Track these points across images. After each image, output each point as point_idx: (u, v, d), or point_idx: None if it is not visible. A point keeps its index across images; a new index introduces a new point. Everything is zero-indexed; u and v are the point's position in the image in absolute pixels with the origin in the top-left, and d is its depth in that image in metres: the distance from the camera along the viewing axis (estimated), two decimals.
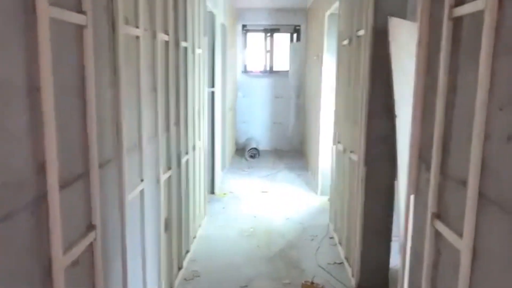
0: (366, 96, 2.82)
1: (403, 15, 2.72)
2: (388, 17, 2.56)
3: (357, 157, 3.01)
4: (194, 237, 3.81)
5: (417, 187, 1.86)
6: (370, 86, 2.81)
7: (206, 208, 4.45)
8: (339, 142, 3.88)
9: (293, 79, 8.12)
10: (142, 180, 2.18)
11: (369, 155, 2.89)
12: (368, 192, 2.92)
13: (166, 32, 2.66)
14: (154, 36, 2.37)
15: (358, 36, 3.13)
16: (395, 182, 2.90)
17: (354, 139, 3.22)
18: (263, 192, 5.48)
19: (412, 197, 1.92)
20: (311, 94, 6.61)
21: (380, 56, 2.77)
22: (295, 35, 8.21)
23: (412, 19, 2.81)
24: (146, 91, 2.25)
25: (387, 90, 2.81)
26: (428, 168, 1.73)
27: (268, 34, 8.25)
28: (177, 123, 3.04)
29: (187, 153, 3.35)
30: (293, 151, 8.10)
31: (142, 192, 2.19)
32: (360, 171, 2.93)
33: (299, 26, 8.06)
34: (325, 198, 5.18)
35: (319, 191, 5.33)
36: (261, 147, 7.89)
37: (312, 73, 6.47)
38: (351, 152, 3.29)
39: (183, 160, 3.20)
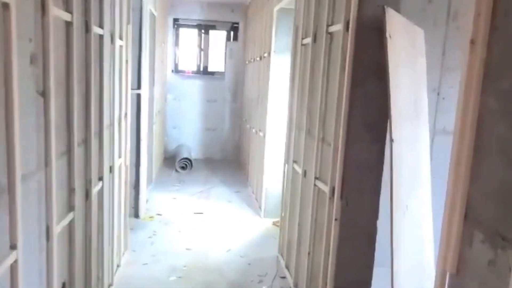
0: (345, 111, 2.16)
1: (396, 8, 2.09)
2: (385, 7, 1.92)
3: (329, 188, 2.34)
4: (111, 285, 2.91)
5: (463, 264, 1.20)
6: (349, 99, 2.16)
7: (128, 241, 3.55)
8: (295, 162, 3.21)
9: (229, 82, 7.38)
10: (13, 247, 1.30)
11: (347, 187, 2.23)
12: (343, 234, 2.26)
13: (67, 9, 1.79)
14: (43, 10, 1.50)
15: (330, 33, 2.47)
16: (377, 221, 2.28)
17: (323, 164, 2.55)
18: (196, 213, 4.66)
19: (448, 275, 1.26)
20: (251, 99, 5.92)
21: (363, 59, 2.13)
22: (232, 34, 7.48)
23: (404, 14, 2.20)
24: (25, 97, 1.38)
25: (371, 104, 2.17)
26: (490, 238, 1.08)
27: (203, 31, 7.44)
28: (86, 139, 2.16)
29: (100, 179, 2.47)
30: (227, 161, 7.35)
31: (14, 266, 1.31)
32: (334, 207, 2.26)
33: (237, 23, 7.34)
34: (270, 221, 4.50)
35: (262, 213, 4.64)
36: (193, 155, 7.05)
37: (253, 75, 5.78)
38: (316, 178, 2.62)
39: (95, 191, 2.32)
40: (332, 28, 2.42)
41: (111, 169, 2.73)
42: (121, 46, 2.96)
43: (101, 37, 2.37)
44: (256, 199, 5.05)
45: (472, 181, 1.18)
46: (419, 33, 2.43)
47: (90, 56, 2.12)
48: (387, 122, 2.16)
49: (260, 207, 4.75)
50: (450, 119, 3.57)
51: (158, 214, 4.53)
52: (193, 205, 4.91)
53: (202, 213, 4.68)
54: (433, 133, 3.07)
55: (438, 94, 3.12)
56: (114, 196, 2.88)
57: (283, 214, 3.54)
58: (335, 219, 2.24)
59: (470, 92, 1.17)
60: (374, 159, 2.20)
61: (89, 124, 2.17)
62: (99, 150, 2.41)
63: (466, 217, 1.20)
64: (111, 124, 2.72)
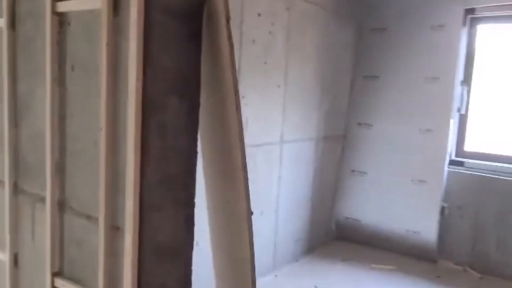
0: (136, 162, 1.17)
1: None
2: None
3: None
4: None
5: None
6: (141, 139, 1.18)
7: None
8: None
9: None
10: None
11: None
12: None
13: None
14: None
15: (60, 14, 1.36)
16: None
17: (73, 251, 1.42)
18: None
19: None
20: None
21: (159, 65, 1.20)
22: None
23: None
24: None
25: (172, 144, 1.28)
26: None
27: None
28: None
29: None
30: None
31: None
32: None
33: None
34: None
35: None
36: None
37: None
38: (56, 275, 1.44)
39: None
40: (70, 5, 1.32)
41: None
42: None
43: None
44: None
45: None
46: None
47: None
48: (194, 172, 1.33)
49: None
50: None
51: None
52: None
53: None
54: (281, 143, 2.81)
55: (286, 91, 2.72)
56: None
57: None
58: None
59: None
60: (181, 238, 1.32)
61: None
62: None
63: None
64: None
